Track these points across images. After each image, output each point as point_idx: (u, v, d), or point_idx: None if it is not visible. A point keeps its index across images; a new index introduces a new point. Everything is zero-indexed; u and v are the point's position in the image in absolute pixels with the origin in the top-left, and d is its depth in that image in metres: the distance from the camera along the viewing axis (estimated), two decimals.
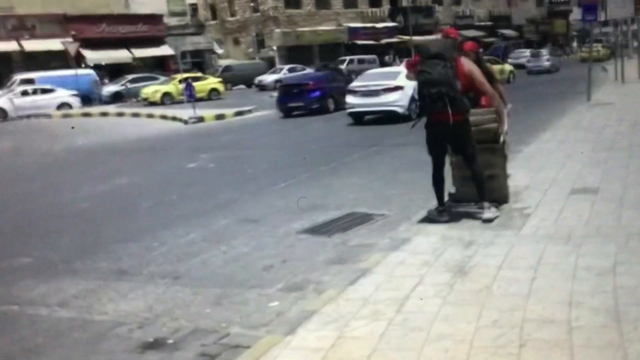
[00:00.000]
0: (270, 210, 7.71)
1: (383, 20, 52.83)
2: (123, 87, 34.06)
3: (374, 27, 51.44)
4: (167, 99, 30.16)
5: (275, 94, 23.09)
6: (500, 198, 6.25)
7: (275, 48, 47.52)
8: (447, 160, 6.57)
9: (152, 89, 31.11)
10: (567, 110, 14.10)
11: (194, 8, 53.93)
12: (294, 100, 20.12)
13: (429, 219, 6.01)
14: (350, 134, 15.13)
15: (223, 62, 45.69)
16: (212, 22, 53.32)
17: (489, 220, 5.55)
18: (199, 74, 34.75)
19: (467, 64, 5.78)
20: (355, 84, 17.06)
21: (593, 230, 5.02)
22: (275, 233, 6.63)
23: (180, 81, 27.92)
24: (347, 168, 10.34)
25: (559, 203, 6.02)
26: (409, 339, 3.43)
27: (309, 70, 38.88)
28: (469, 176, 6.19)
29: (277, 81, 35.57)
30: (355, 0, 52.68)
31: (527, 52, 42.28)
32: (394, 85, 15.85)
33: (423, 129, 5.88)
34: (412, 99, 15.06)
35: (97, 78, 33.22)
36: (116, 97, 33.21)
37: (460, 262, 4.61)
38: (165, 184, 10.31)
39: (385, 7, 54.34)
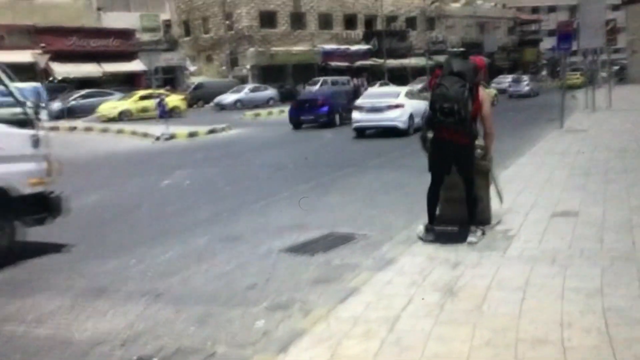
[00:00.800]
0: (251, 228, 7.68)
1: (357, 43, 53.54)
2: (74, 102, 32.33)
3: (348, 49, 52.07)
4: (124, 116, 29.13)
5: None
6: (483, 220, 6.35)
7: (248, 67, 47.67)
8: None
9: (109, 105, 30.30)
10: (541, 136, 14.42)
11: (168, 24, 53.74)
12: (305, 114, 22.48)
13: (412, 240, 6.06)
14: (338, 153, 15.22)
15: (195, 80, 45.60)
16: (186, 39, 53.23)
17: (474, 243, 5.63)
18: (161, 91, 33.87)
19: (482, 93, 5.88)
20: (360, 101, 18.99)
21: (577, 253, 5.13)
22: (256, 251, 6.60)
23: (141, 97, 27.50)
24: (327, 187, 10.38)
25: (541, 226, 6.13)
26: (404, 358, 3.43)
27: (271, 91, 38.89)
28: (454, 198, 6.29)
29: (237, 101, 35.40)
30: (330, 22, 53.33)
31: (509, 78, 43.94)
32: (395, 103, 17.76)
33: (417, 145, 6.00)
34: (411, 117, 17.64)
35: (44, 91, 31.91)
36: (69, 113, 30.98)
37: (449, 283, 4.65)
38: (140, 201, 10.19)
39: (360, 30, 55.14)
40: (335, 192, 9.91)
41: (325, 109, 22.17)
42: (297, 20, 50.91)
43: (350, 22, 54.56)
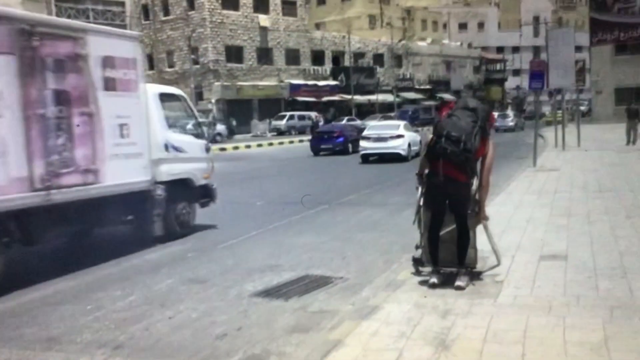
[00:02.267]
0: (219, 269, 7.28)
1: (325, 79, 53.96)
2: None
3: (315, 85, 52.38)
4: None
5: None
6: (468, 263, 6.09)
7: (213, 101, 47.41)
8: (417, 219, 6.41)
9: None
10: (515, 174, 14.40)
11: None
12: (324, 143, 26.69)
13: (395, 284, 5.75)
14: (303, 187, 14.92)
15: None
16: (149, 73, 52.85)
17: (462, 288, 5.36)
18: None
19: (490, 142, 5.67)
20: (367, 133, 22.71)
21: (573, 301, 4.88)
22: (226, 296, 6.20)
23: None
24: (300, 225, 10.05)
25: (530, 270, 5.90)
26: None
27: (219, 126, 37.58)
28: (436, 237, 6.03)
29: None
30: (297, 57, 53.68)
31: (495, 114, 44.92)
32: (397, 134, 21.83)
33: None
34: (409, 145, 21.69)
35: None
36: None
37: (440, 334, 4.33)
38: (99, 239, 9.66)
39: (328, 66, 55.64)
40: (310, 230, 9.57)
41: (341, 139, 26.24)
42: (264, 55, 51.10)
43: (317, 58, 55.05)
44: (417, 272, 6.03)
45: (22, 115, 6.75)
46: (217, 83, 47.36)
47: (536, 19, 77.77)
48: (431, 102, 62.21)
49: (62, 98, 7.29)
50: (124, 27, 51.85)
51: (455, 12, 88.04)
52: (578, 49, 49.21)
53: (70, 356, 4.68)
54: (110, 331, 5.24)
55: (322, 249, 8.24)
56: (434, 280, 5.55)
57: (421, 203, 6.09)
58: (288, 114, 46.00)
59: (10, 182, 6.65)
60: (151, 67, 52.93)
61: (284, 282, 6.63)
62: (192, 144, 9.91)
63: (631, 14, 18.23)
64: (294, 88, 51.14)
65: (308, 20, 57.12)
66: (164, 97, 9.48)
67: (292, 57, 53.27)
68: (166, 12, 50.94)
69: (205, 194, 10.16)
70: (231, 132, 39.11)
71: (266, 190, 15.04)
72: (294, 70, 52.98)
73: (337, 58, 56.66)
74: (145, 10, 52.88)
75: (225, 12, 48.20)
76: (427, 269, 6.09)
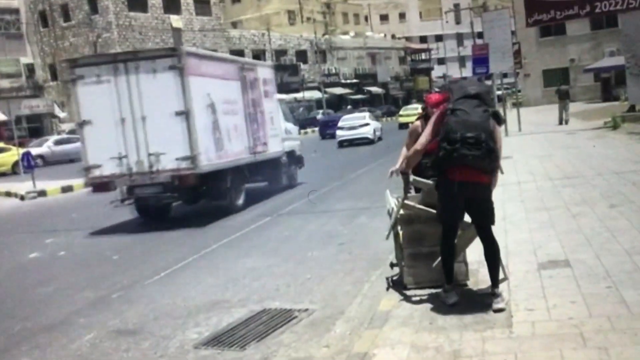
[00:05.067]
0: (153, 313, 6.14)
1: None
2: None
3: None
4: None
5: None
6: (460, 281, 5.26)
7: None
8: (392, 233, 5.53)
9: None
10: None
11: (30, 68, 50.32)
12: (329, 129, 34.37)
13: (376, 316, 4.82)
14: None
15: (66, 127, 42.56)
16: (53, 84, 50.01)
17: (502, 310, 4.53)
18: (1, 144, 29.97)
19: (497, 127, 4.71)
20: (341, 124, 29.65)
21: (605, 324, 4.07)
22: (165, 349, 5.11)
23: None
24: (242, 244, 9.00)
25: (533, 283, 5.10)
26: None
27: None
28: (423, 253, 5.16)
29: (38, 157, 28.33)
30: None
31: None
32: (365, 123, 29.14)
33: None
34: (374, 131, 29.20)
35: None
36: None
37: None
38: None
39: None
40: (255, 250, 8.53)
41: None
42: None
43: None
44: (404, 299, 5.11)
45: (244, 112, 12.82)
46: None
47: (457, 6, 79.20)
48: (359, 96, 62.26)
49: (254, 102, 13.33)
50: (19, 36, 49.00)
51: (376, 4, 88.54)
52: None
53: None
54: None
55: (275, 273, 7.22)
56: (454, 299, 4.75)
57: (399, 213, 5.20)
58: None
59: (243, 150, 12.67)
60: (54, 77, 50.12)
61: (236, 322, 5.59)
62: (294, 128, 16.71)
63: None
64: None
65: (224, 19, 55.68)
66: (280, 100, 16.28)
67: None
68: (67, 18, 48.34)
69: (299, 160, 16.15)
70: None
71: (197, 207, 13.83)
72: None
73: (257, 57, 55.36)
74: (43, 17, 49.99)
75: (132, 14, 46.19)
76: (412, 293, 5.21)
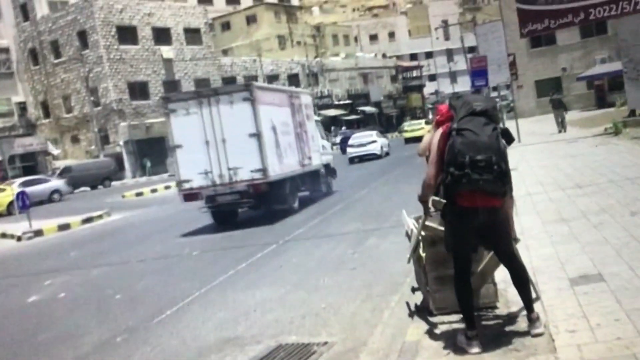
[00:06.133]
0: (161, 355, 5.76)
1: None
2: None
3: None
4: None
5: None
6: (489, 304, 4.93)
7: (121, 143, 45.05)
8: (413, 258, 5.20)
9: None
10: None
11: (23, 107, 50.16)
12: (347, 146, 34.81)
13: (403, 348, 4.47)
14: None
15: (60, 164, 42.25)
16: (45, 121, 49.80)
17: (541, 335, 4.18)
18: None
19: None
20: (351, 142, 31.91)
21: None
22: None
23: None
24: (250, 274, 8.65)
25: (568, 301, 4.77)
26: None
27: (55, 182, 32.47)
28: (448, 275, 4.82)
29: None
30: (208, 86, 52.05)
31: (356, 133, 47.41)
32: (372, 140, 31.43)
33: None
34: (381, 147, 31.49)
35: None
36: None
37: None
38: None
39: None
40: (264, 280, 8.18)
41: None
42: (172, 88, 49.15)
43: (229, 84, 53.60)
44: (432, 327, 4.77)
45: (294, 132, 15.55)
46: (123, 123, 45.06)
47: (445, 23, 79.66)
48: (353, 117, 62.16)
49: (300, 124, 16.09)
50: (10, 74, 48.92)
51: (365, 25, 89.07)
52: None
53: None
54: None
55: (287, 304, 6.87)
56: (476, 349, 4.15)
57: (420, 236, 4.88)
58: None
59: (295, 163, 15.33)
60: (47, 114, 49.94)
61: None
62: (328, 145, 20.07)
63: (559, 2, 17.94)
64: None
65: (215, 47, 55.71)
66: (316, 121, 18.73)
67: (203, 86, 51.50)
68: (57, 54, 48.29)
69: (333, 172, 18.90)
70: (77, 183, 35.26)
71: (199, 235, 13.48)
72: None
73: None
74: (34, 55, 49.96)
75: (123, 47, 46.09)
76: (439, 319, 4.87)
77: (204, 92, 14.54)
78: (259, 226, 13.45)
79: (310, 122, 17.40)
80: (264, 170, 13.39)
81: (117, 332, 6.76)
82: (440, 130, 4.35)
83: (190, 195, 13.99)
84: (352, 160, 30.54)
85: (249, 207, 14.70)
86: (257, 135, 13.33)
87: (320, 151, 17.71)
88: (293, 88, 22.24)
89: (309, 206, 15.65)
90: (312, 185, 17.14)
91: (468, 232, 4.22)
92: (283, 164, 14.43)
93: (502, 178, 4.03)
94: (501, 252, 4.37)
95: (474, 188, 4.01)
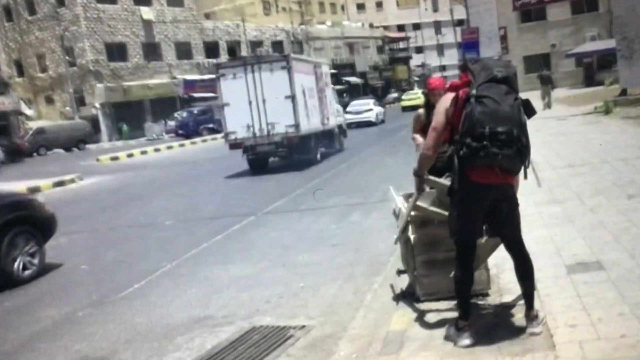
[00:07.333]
0: (124, 334, 5.40)
1: None
2: None
3: (212, 79, 49.96)
4: None
5: None
6: (481, 291, 4.62)
7: (97, 105, 44.13)
8: (399, 242, 4.86)
9: None
10: None
11: None
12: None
13: (388, 338, 4.15)
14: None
15: (34, 124, 41.30)
16: (19, 80, 48.53)
17: (537, 334, 3.83)
18: None
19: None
20: (349, 109, 33.91)
21: None
22: None
23: None
24: (225, 248, 8.28)
25: (566, 290, 4.47)
26: None
27: None
28: (438, 260, 4.50)
29: None
30: (189, 50, 51.17)
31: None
32: (369, 108, 34.66)
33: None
34: (377, 115, 34.57)
35: None
36: None
37: None
38: None
39: (224, 58, 53.24)
40: (240, 255, 7.82)
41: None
42: (152, 51, 48.20)
43: (212, 50, 52.64)
44: (419, 315, 4.45)
45: (317, 96, 18.59)
46: (99, 85, 44.10)
47: None
48: (338, 87, 61.48)
49: (321, 90, 19.02)
50: None
51: None
52: None
53: None
54: None
55: (263, 281, 6.52)
56: (466, 341, 3.82)
57: (410, 215, 4.52)
58: (185, 111, 43.56)
59: (318, 122, 18.51)
60: (20, 73, 48.67)
61: (222, 344, 4.87)
62: (340, 109, 22.94)
63: None
64: (189, 84, 48.66)
65: (197, 10, 54.48)
66: (332, 89, 21.69)
67: (184, 50, 50.65)
68: (32, 11, 46.93)
69: (344, 132, 22.12)
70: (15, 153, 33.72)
71: (175, 205, 13.04)
72: (187, 65, 50.45)
73: (233, 49, 54.35)
74: (7, 11, 48.46)
75: (101, 6, 44.91)
76: (427, 306, 4.55)
77: (249, 60, 17.14)
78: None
79: (329, 88, 20.64)
80: (296, 126, 16.46)
81: (79, 306, 6.36)
82: (450, 95, 3.86)
83: (235, 145, 17.11)
84: (349, 126, 31.27)
85: (281, 156, 17.52)
86: (292, 97, 16.32)
87: (335, 114, 20.87)
88: (317, 59, 25.30)
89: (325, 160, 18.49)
90: (329, 142, 20.21)
91: (480, 212, 3.81)
92: (310, 122, 17.55)
93: (521, 154, 3.64)
94: (510, 239, 3.99)
95: (491, 163, 3.61)
